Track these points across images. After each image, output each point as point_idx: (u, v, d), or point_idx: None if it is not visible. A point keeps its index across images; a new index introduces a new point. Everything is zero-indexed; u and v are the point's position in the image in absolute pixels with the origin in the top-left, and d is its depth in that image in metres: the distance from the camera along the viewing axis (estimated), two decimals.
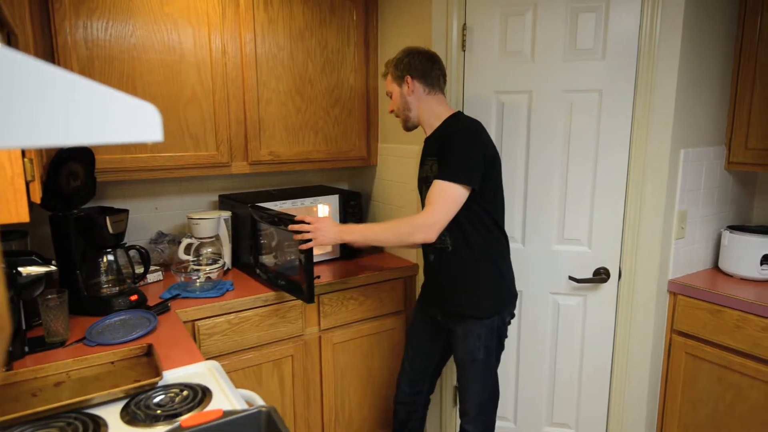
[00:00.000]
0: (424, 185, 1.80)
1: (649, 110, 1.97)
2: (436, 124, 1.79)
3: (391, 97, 1.85)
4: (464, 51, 2.12)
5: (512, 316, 1.89)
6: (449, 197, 1.63)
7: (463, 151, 1.64)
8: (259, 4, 2.16)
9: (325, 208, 2.36)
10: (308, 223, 1.76)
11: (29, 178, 1.13)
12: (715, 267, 2.30)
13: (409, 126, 1.86)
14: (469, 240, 1.74)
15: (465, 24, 2.10)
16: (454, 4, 2.09)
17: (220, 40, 2.08)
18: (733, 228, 2.20)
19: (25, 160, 1.13)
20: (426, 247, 1.85)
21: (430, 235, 1.66)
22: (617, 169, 2.05)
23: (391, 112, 1.88)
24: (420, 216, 1.67)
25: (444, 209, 1.64)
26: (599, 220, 2.10)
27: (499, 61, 2.09)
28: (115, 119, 0.48)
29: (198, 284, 1.99)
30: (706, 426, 2.09)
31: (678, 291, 2.12)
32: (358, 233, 1.78)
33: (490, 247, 1.78)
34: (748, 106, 2.13)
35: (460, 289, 1.79)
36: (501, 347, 1.88)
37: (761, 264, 2.10)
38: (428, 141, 1.83)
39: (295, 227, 1.76)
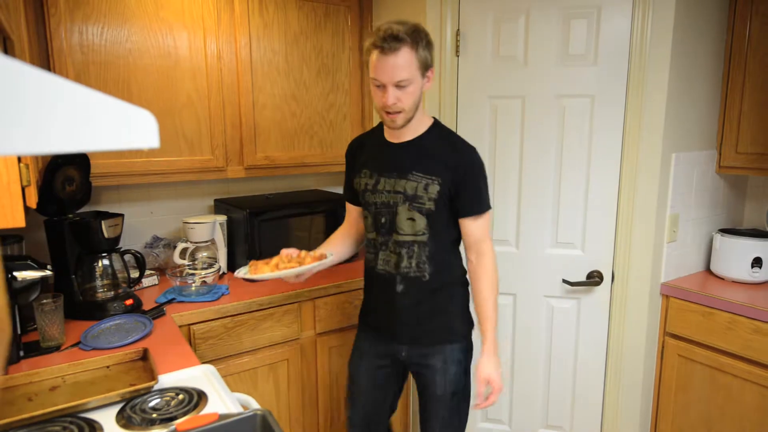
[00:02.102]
0: (401, 200, 1.50)
1: (640, 115, 2.00)
2: (421, 130, 1.53)
3: (399, 87, 1.39)
4: (458, 56, 2.14)
5: None
6: (489, 222, 1.58)
7: (484, 176, 1.54)
8: (255, 9, 2.17)
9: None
10: (489, 384, 1.54)
11: (25, 183, 1.14)
12: (707, 270, 2.33)
13: (399, 126, 1.47)
14: (451, 265, 1.60)
15: (458, 29, 2.12)
16: (447, 9, 2.11)
17: (215, 45, 2.09)
18: (724, 231, 2.22)
19: (21, 165, 1.13)
20: (387, 277, 1.57)
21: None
22: (610, 174, 2.07)
23: (393, 106, 1.41)
24: (489, 257, 1.55)
25: (490, 236, 1.59)
26: (592, 223, 2.12)
27: (493, 67, 2.11)
28: (112, 126, 0.49)
29: (193, 288, 1.99)
30: (698, 427, 2.11)
31: (670, 294, 2.14)
32: (492, 336, 1.54)
33: (462, 269, 1.65)
34: (738, 110, 2.16)
35: (437, 318, 1.59)
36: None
37: (752, 267, 2.12)
38: (405, 148, 1.52)
39: (491, 400, 1.53)
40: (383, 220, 1.54)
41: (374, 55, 1.38)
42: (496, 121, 2.14)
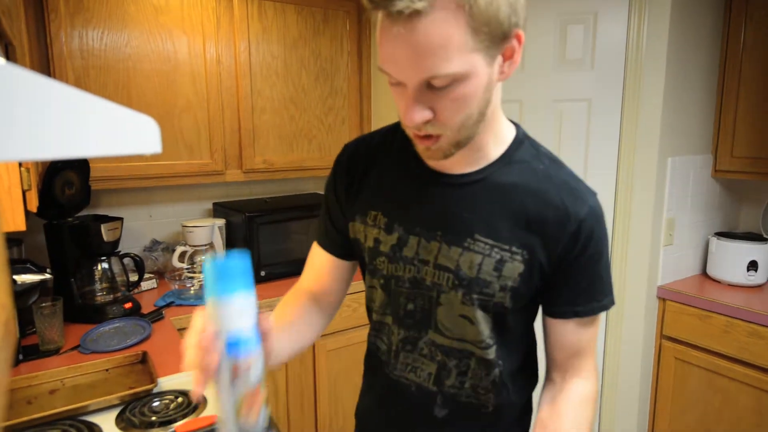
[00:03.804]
0: (451, 282, 0.82)
1: (636, 119, 2.01)
2: (495, 153, 0.82)
3: (433, 88, 0.67)
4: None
5: None
6: (599, 325, 0.90)
7: (607, 248, 0.84)
8: (254, 13, 2.18)
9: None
10: None
11: (26, 187, 1.15)
12: (704, 273, 2.34)
13: (440, 158, 0.77)
14: (525, 387, 0.95)
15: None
16: None
17: (214, 50, 2.10)
18: (720, 234, 2.24)
19: (22, 169, 1.14)
20: (414, 392, 0.91)
21: None
22: (606, 177, 2.09)
23: (421, 127, 0.71)
24: (590, 385, 0.88)
25: (596, 345, 0.91)
26: None
27: None
28: (114, 132, 0.50)
29: (192, 292, 2.00)
30: (696, 430, 2.12)
31: (667, 297, 2.15)
32: None
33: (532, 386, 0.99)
34: (733, 115, 2.18)
35: None
36: None
37: (748, 270, 2.13)
38: (461, 189, 0.82)
39: None
40: (410, 307, 0.87)
41: (379, 23, 0.66)
42: None
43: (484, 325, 0.83)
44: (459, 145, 0.75)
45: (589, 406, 0.85)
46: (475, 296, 0.81)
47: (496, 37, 0.65)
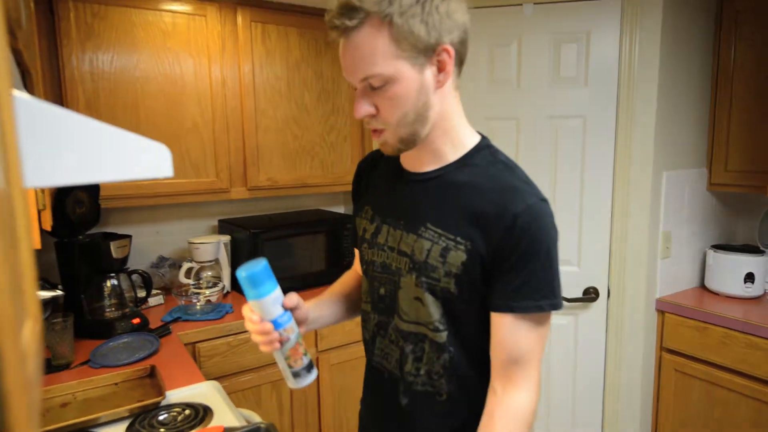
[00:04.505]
0: (407, 266, 0.94)
1: (630, 135, 2.06)
2: (453, 155, 0.94)
3: (373, 88, 0.85)
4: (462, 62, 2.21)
5: None
6: (544, 337, 0.90)
7: (549, 249, 0.88)
8: (258, 36, 2.26)
9: None
10: None
11: (40, 207, 1.20)
12: (702, 285, 2.37)
13: (391, 151, 0.92)
14: (481, 383, 0.95)
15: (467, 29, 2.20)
16: None
17: (219, 72, 2.17)
18: (717, 247, 2.27)
19: (37, 189, 1.20)
20: (386, 377, 1.01)
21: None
22: (603, 192, 2.13)
23: (368, 121, 0.89)
24: (525, 395, 0.88)
25: (540, 358, 0.91)
26: (587, 240, 2.17)
27: (488, 89, 2.18)
28: (130, 159, 0.55)
29: (198, 307, 2.04)
30: None
31: (666, 309, 2.18)
32: None
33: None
34: (726, 130, 2.23)
35: None
36: None
37: (745, 282, 2.16)
38: (419, 185, 0.96)
39: None
40: (382, 291, 0.99)
41: (332, 37, 0.85)
42: (492, 140, 2.20)
43: (434, 308, 0.91)
44: (403, 141, 0.89)
45: (526, 421, 0.88)
46: (424, 279, 0.91)
47: (419, 48, 0.82)
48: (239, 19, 2.19)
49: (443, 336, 0.92)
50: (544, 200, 0.89)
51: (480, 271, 0.88)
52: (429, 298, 0.91)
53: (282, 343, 0.91)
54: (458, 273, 0.88)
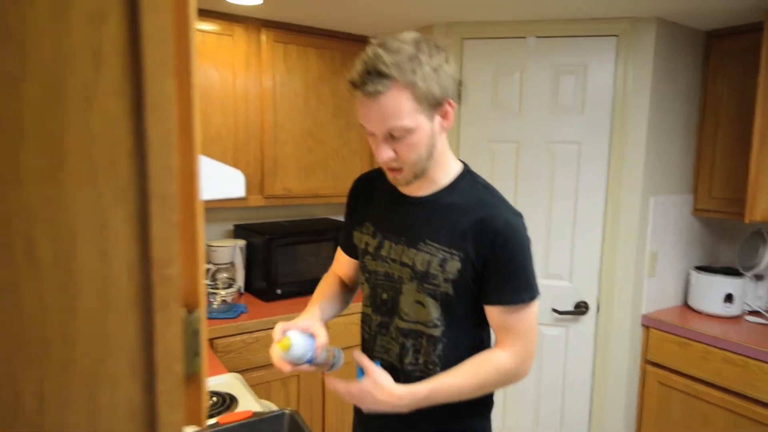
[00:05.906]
0: (408, 276, 1.12)
1: (622, 161, 2.23)
2: (443, 181, 1.13)
3: (395, 138, 1.02)
4: (460, 103, 2.38)
5: None
6: (531, 315, 1.11)
7: (527, 252, 1.10)
8: (279, 55, 2.42)
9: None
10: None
11: None
12: (685, 303, 2.52)
13: (405, 184, 1.11)
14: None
15: (461, 80, 2.37)
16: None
17: (243, 87, 2.33)
18: (699, 268, 2.43)
19: None
20: (392, 374, 1.08)
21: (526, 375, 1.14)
22: (595, 213, 2.29)
23: (389, 162, 1.06)
24: (507, 354, 1.09)
25: (535, 339, 1.13)
26: (579, 257, 2.33)
27: (491, 114, 2.35)
28: (213, 181, 0.70)
29: (215, 306, 2.18)
30: None
31: (650, 324, 2.33)
32: (430, 393, 1.05)
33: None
34: (711, 159, 2.39)
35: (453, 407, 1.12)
36: None
37: (725, 302, 2.31)
38: (418, 207, 1.14)
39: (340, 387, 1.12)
40: (384, 296, 1.17)
41: (357, 96, 1.01)
42: (494, 162, 2.37)
43: (433, 309, 1.11)
44: (416, 176, 1.08)
45: (498, 372, 1.07)
46: (426, 285, 1.10)
47: (432, 104, 1.00)
48: (263, 38, 2.36)
49: (438, 331, 1.12)
50: (518, 214, 1.11)
51: (472, 275, 1.08)
52: (430, 301, 1.10)
53: (317, 365, 1.12)
54: (455, 278, 1.08)
